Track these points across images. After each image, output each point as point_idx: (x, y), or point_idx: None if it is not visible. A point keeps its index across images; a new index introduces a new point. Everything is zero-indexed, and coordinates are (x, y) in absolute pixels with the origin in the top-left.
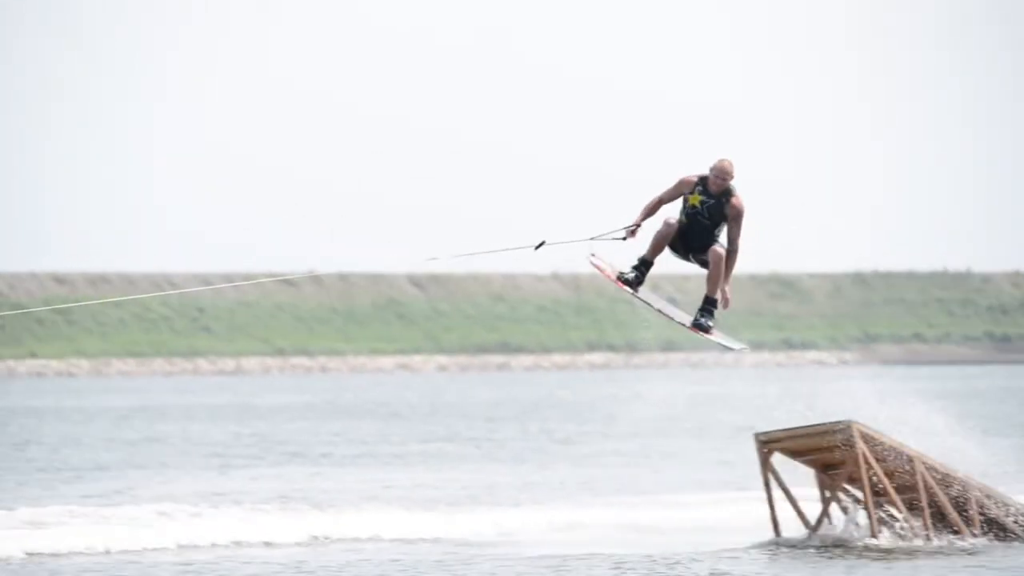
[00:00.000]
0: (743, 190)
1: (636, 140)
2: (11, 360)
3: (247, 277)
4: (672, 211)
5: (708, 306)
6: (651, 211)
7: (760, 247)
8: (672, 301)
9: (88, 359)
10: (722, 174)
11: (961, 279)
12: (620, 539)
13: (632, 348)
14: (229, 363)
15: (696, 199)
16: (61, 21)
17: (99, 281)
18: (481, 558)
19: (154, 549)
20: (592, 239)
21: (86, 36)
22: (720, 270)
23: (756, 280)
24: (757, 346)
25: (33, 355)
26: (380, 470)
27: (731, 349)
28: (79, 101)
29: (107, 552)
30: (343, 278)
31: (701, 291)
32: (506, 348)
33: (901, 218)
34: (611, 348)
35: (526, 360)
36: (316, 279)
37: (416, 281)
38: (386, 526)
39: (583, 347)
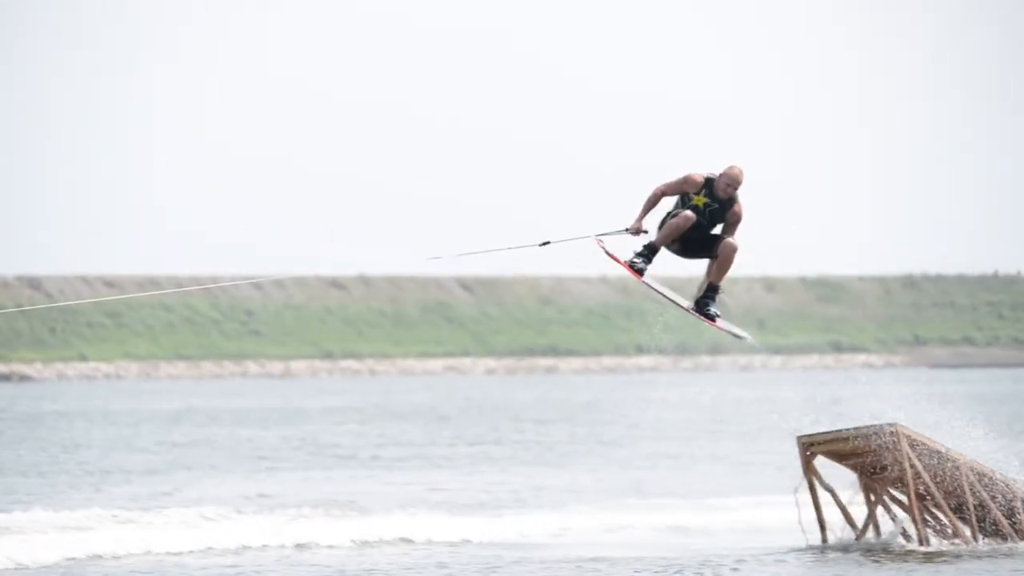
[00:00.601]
0: (788, 195)
1: (658, 140)
2: (60, 363)
3: (296, 281)
4: (667, 204)
5: (712, 293)
6: (652, 204)
7: (809, 250)
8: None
9: (137, 362)
10: (734, 183)
11: (1011, 282)
12: (667, 542)
13: (683, 351)
14: (278, 366)
15: (701, 200)
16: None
17: (148, 284)
18: (529, 561)
19: (198, 551)
20: (598, 236)
21: (115, 38)
22: (731, 263)
23: (805, 283)
24: (806, 349)
25: (83, 358)
26: (428, 473)
27: (739, 338)
28: (126, 105)
29: (148, 553)
30: (391, 280)
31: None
32: (554, 351)
33: (951, 221)
34: (660, 351)
35: (575, 363)
36: (365, 281)
37: (465, 284)
38: (434, 529)
39: (632, 350)
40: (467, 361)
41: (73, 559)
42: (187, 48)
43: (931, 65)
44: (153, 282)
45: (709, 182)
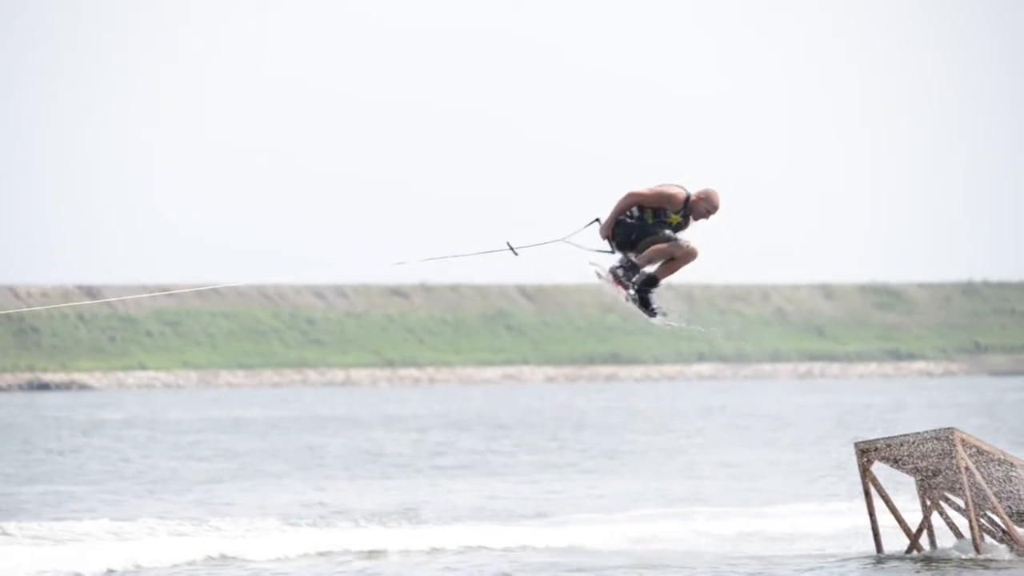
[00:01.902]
0: (847, 202)
1: (679, 140)
2: (120, 372)
3: (357, 289)
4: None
5: (653, 286)
6: (624, 212)
7: (868, 257)
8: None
9: (197, 371)
10: (714, 209)
11: None
12: (725, 549)
13: (741, 359)
14: (338, 374)
15: (676, 219)
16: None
17: (208, 293)
18: (591, 568)
19: (258, 560)
20: (565, 239)
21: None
22: (684, 267)
23: (864, 290)
24: (864, 357)
25: (142, 367)
26: (488, 480)
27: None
28: (181, 117)
29: (206, 560)
30: (452, 288)
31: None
32: (615, 359)
33: (1011, 226)
34: (720, 359)
35: (635, 371)
36: (425, 289)
37: (525, 292)
38: (495, 537)
39: (692, 358)
40: (526, 369)
41: (130, 569)
42: (230, 59)
43: (992, 66)
44: (214, 291)
45: (686, 201)
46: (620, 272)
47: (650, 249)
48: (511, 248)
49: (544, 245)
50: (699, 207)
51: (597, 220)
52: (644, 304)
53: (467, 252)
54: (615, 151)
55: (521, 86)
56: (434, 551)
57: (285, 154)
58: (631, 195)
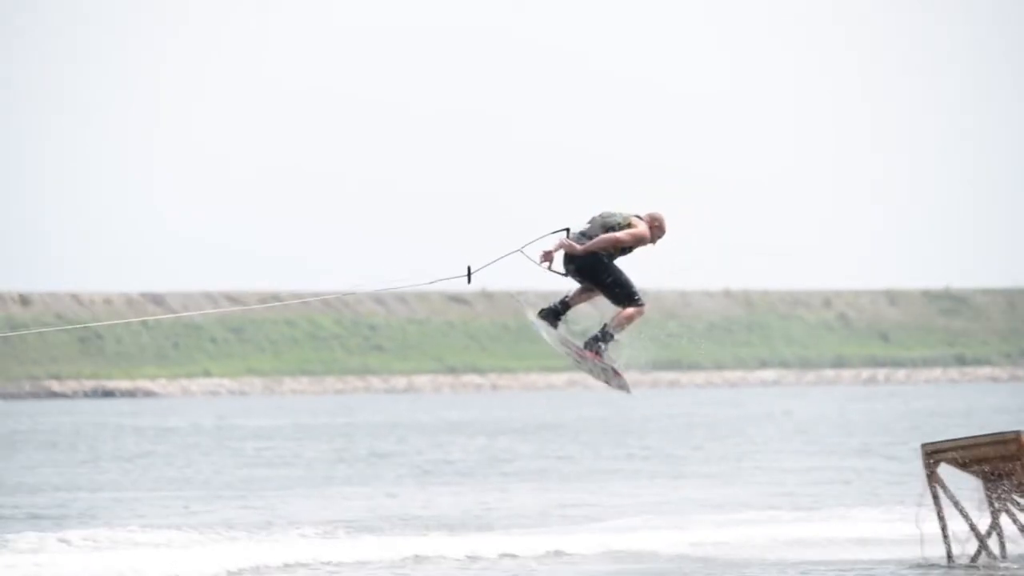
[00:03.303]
0: (912, 208)
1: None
2: (184, 379)
3: (418, 296)
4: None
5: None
6: (603, 251)
7: (932, 263)
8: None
9: (261, 377)
10: (663, 234)
11: None
12: (793, 555)
13: (804, 364)
14: (401, 381)
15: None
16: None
17: (271, 300)
18: (656, 572)
19: (318, 564)
20: (521, 250)
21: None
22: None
23: (928, 296)
24: (929, 363)
25: (207, 373)
26: (555, 486)
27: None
28: (242, 124)
29: (257, 569)
30: (515, 295)
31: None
32: (677, 365)
33: None
34: (783, 364)
35: (697, 377)
36: (487, 296)
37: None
38: (561, 542)
39: (755, 364)
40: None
41: None
42: (265, 66)
43: None
44: (276, 297)
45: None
46: (600, 346)
47: (624, 316)
48: (468, 274)
49: (503, 258)
50: (654, 235)
51: (567, 230)
52: (616, 373)
53: (425, 281)
54: (638, 154)
55: (540, 89)
56: (496, 558)
57: (334, 164)
58: (615, 240)
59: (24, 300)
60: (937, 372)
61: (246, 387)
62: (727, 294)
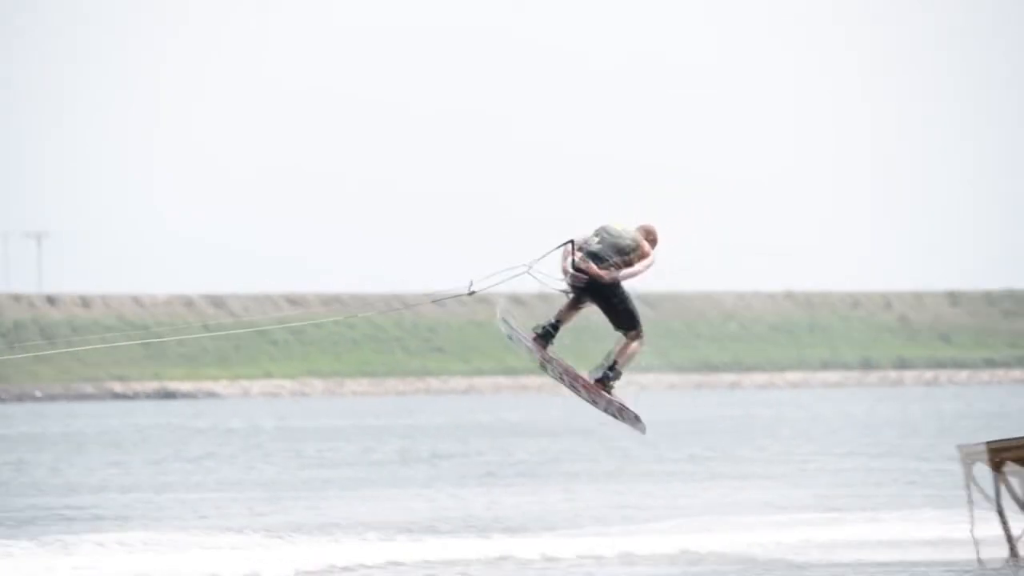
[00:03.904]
0: (972, 210)
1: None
2: (245, 380)
3: (477, 298)
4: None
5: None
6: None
7: (994, 264)
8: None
9: (321, 379)
10: (656, 246)
11: None
12: (860, 555)
13: (866, 366)
14: (460, 383)
15: None
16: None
17: (332, 301)
18: (722, 572)
19: (380, 565)
20: (528, 266)
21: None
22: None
23: (990, 297)
24: (991, 364)
25: (268, 375)
26: (616, 487)
27: (636, 423)
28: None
29: (311, 573)
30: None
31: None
32: (738, 367)
33: None
34: (844, 366)
35: (759, 379)
36: (543, 298)
37: (647, 299)
38: (619, 544)
39: (816, 365)
40: (649, 377)
41: None
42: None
43: None
44: (337, 299)
45: None
46: (608, 377)
47: (630, 352)
48: (470, 290)
49: (510, 275)
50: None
51: (571, 242)
52: (629, 410)
53: (434, 295)
54: (638, 154)
55: (540, 89)
56: (561, 559)
57: (334, 164)
58: (637, 274)
59: (85, 302)
60: (1000, 373)
61: (307, 389)
62: (788, 296)
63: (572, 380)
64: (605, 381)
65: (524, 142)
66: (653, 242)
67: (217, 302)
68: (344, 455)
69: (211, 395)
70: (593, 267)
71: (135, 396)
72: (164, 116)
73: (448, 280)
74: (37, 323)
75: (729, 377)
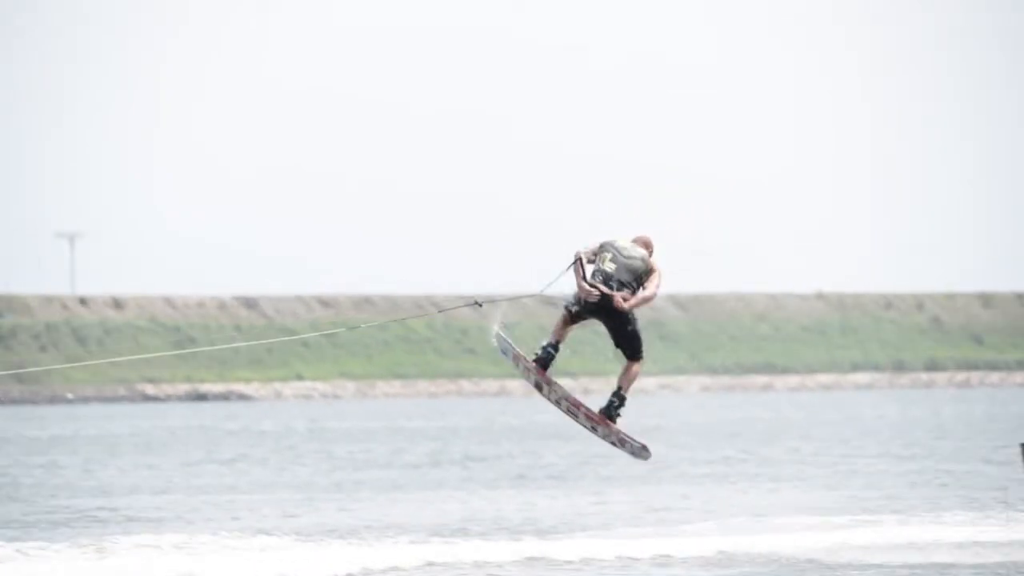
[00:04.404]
0: (1003, 210)
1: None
2: (278, 382)
3: (509, 299)
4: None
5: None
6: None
7: None
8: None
9: (353, 381)
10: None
11: None
12: (904, 558)
13: (898, 367)
14: (493, 385)
15: None
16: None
17: (363, 303)
18: (766, 575)
19: (405, 571)
20: (533, 295)
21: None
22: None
23: (1023, 299)
24: None
25: (299, 377)
26: (653, 490)
27: (641, 452)
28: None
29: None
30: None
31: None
32: (770, 368)
33: None
34: (876, 368)
35: (791, 380)
36: (577, 299)
37: (679, 302)
38: (670, 545)
39: (848, 367)
40: (681, 379)
41: None
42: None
43: None
44: (368, 301)
45: None
46: (614, 406)
47: (632, 376)
48: (477, 303)
49: (521, 297)
50: None
51: (579, 259)
52: (631, 440)
53: (445, 306)
54: (638, 154)
55: (540, 89)
56: (598, 562)
57: (334, 164)
58: (651, 300)
59: (118, 303)
60: None
61: (339, 391)
62: (820, 297)
63: (572, 407)
64: (611, 411)
65: (524, 142)
66: (651, 253)
67: (250, 304)
68: (376, 457)
69: (242, 397)
70: (618, 298)
71: (167, 398)
72: (168, 116)
73: (476, 284)
74: (69, 324)
75: (761, 379)
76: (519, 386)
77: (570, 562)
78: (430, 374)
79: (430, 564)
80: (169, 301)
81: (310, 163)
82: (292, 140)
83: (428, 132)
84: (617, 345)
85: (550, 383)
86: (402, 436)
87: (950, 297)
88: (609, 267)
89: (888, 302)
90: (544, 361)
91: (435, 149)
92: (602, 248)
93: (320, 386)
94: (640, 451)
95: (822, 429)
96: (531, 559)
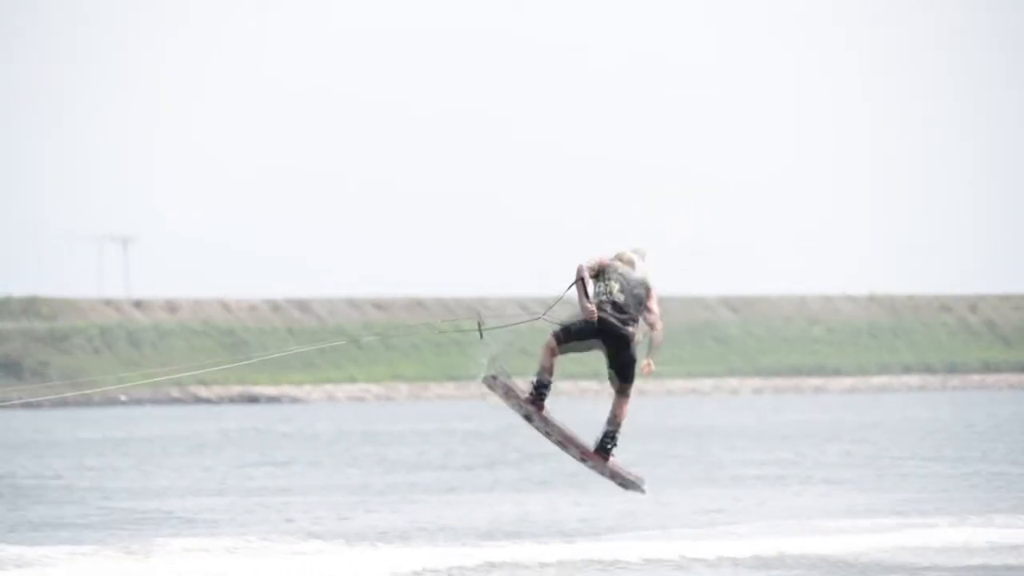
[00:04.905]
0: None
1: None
2: (330, 384)
3: (560, 300)
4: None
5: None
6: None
7: None
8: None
9: (407, 383)
10: None
11: None
12: (940, 559)
13: (950, 369)
14: None
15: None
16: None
17: (415, 306)
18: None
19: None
20: (542, 316)
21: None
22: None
23: None
24: None
25: (353, 379)
26: (706, 491)
27: (638, 488)
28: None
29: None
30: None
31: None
32: (822, 370)
33: None
34: (929, 370)
35: (843, 383)
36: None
37: (731, 304)
38: (726, 547)
39: (899, 369)
40: (734, 381)
41: None
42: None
43: None
44: (420, 304)
45: None
46: (608, 441)
47: (623, 413)
48: (479, 328)
49: (523, 321)
50: None
51: (581, 279)
52: (622, 474)
53: (440, 324)
54: (638, 155)
55: (541, 90)
56: (663, 561)
57: (334, 164)
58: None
59: (171, 307)
60: None
61: (392, 393)
62: (872, 299)
63: (566, 441)
64: (606, 448)
65: (524, 142)
66: (645, 260)
67: (302, 306)
68: (430, 459)
69: (295, 400)
70: (648, 368)
71: (219, 401)
72: (225, 122)
73: (524, 287)
74: (123, 328)
75: (814, 381)
76: (574, 388)
77: (627, 563)
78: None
79: (489, 564)
80: (223, 304)
81: (360, 168)
82: (337, 144)
83: (424, 131)
84: (612, 367)
85: (545, 419)
86: (456, 438)
87: (1004, 299)
88: (619, 297)
89: (941, 304)
90: (538, 399)
91: (431, 148)
92: (607, 272)
93: (373, 388)
94: (635, 484)
95: (875, 431)
96: (587, 561)
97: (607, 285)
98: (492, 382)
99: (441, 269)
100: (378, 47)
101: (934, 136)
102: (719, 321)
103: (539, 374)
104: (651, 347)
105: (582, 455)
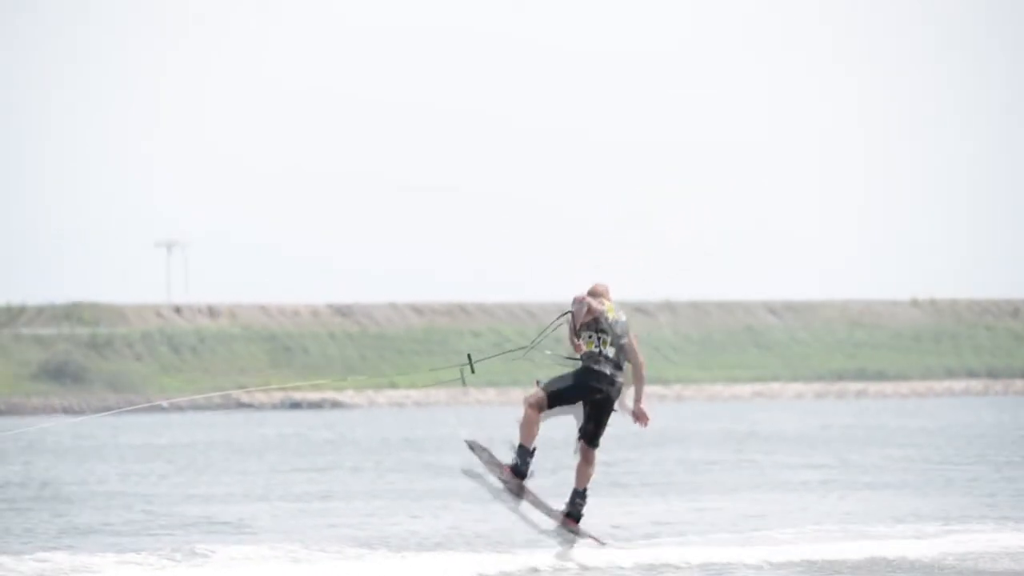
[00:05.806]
0: None
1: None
2: (371, 390)
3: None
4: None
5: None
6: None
7: None
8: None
9: (446, 388)
10: None
11: None
12: (987, 565)
13: (993, 374)
14: None
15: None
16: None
17: (456, 311)
18: None
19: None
20: (534, 345)
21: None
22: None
23: None
24: None
25: (393, 385)
26: (746, 497)
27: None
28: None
29: None
30: (697, 306)
31: None
32: (864, 375)
33: None
34: (971, 374)
35: (885, 387)
36: (670, 307)
37: (773, 308)
38: (767, 552)
39: (942, 373)
40: (776, 386)
41: None
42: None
43: None
44: (462, 309)
45: None
46: (577, 506)
47: (590, 474)
48: (470, 363)
49: (514, 351)
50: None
51: (570, 312)
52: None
53: (427, 377)
54: (638, 154)
55: (541, 90)
56: (704, 566)
57: (335, 164)
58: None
59: (212, 312)
60: None
61: (432, 398)
62: (915, 303)
63: (537, 505)
64: (576, 512)
65: (524, 142)
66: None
67: (343, 312)
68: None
69: (336, 405)
70: (644, 421)
71: (261, 406)
72: (269, 127)
73: (566, 291)
74: (164, 333)
75: (856, 386)
76: None
77: (673, 567)
78: (524, 382)
79: (534, 571)
80: (264, 309)
81: (404, 173)
82: (375, 148)
83: (425, 131)
84: (587, 425)
85: (524, 491)
86: (496, 444)
87: (1000, 303)
88: (610, 351)
89: (983, 308)
90: (520, 474)
91: (432, 148)
92: (599, 323)
93: (414, 394)
94: (596, 543)
95: (918, 436)
96: (633, 566)
97: (600, 338)
98: (474, 457)
99: (483, 273)
100: (378, 47)
101: (982, 143)
102: (761, 326)
103: (520, 451)
104: (639, 390)
105: (552, 520)
